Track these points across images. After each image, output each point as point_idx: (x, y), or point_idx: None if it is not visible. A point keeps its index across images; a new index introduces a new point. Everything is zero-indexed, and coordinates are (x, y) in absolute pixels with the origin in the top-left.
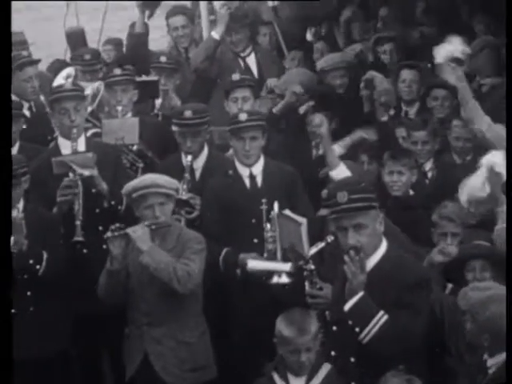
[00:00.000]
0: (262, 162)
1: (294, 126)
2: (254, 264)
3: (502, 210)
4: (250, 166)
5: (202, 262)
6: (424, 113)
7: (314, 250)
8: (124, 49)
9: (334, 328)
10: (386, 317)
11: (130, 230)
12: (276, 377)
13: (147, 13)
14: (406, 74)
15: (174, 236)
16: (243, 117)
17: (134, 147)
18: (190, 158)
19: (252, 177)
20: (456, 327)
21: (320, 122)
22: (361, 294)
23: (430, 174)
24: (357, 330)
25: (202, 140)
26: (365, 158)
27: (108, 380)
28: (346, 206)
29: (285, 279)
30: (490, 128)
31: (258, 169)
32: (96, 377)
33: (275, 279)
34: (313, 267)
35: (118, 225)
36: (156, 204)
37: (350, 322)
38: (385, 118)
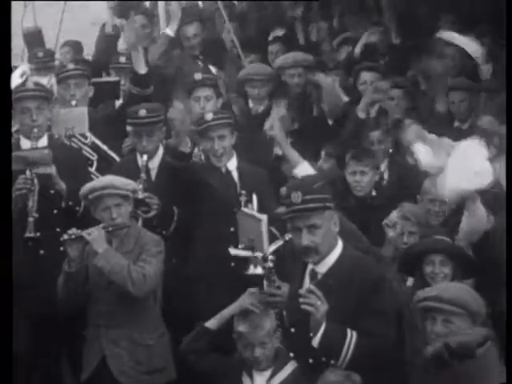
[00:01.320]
0: (235, 159)
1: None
2: (236, 252)
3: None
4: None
5: (160, 265)
6: (383, 114)
7: (272, 248)
8: (85, 51)
9: (292, 330)
10: (355, 335)
11: (85, 233)
12: (243, 373)
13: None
14: (366, 76)
15: (132, 238)
16: (209, 116)
17: (88, 140)
18: (145, 157)
19: (228, 171)
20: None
21: (270, 126)
22: (324, 325)
23: (385, 175)
24: (332, 362)
25: (157, 139)
26: (321, 155)
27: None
28: (300, 206)
29: (260, 270)
30: None
31: (232, 165)
32: (54, 380)
33: (251, 270)
34: (271, 265)
35: (74, 229)
36: (112, 205)
37: (324, 359)
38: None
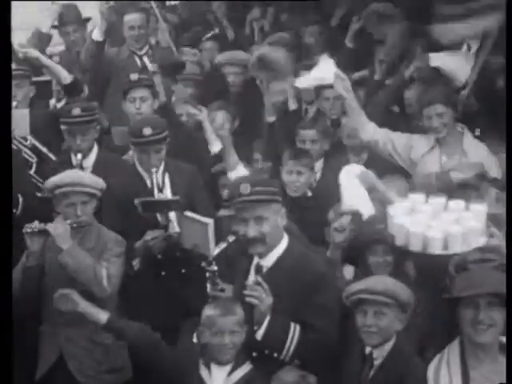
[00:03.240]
0: (162, 168)
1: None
2: None
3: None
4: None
5: (122, 265)
6: (321, 115)
7: (216, 251)
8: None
9: None
10: (298, 329)
11: (50, 227)
12: (200, 365)
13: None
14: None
15: (93, 236)
16: (147, 131)
17: (28, 142)
18: (79, 156)
19: (153, 182)
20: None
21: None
22: (268, 318)
23: (318, 175)
24: (275, 355)
25: (91, 138)
26: (258, 156)
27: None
28: (248, 197)
29: (214, 267)
30: (375, 133)
31: (159, 174)
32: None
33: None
34: (215, 268)
35: (37, 223)
36: (78, 202)
37: (267, 352)
38: (272, 119)
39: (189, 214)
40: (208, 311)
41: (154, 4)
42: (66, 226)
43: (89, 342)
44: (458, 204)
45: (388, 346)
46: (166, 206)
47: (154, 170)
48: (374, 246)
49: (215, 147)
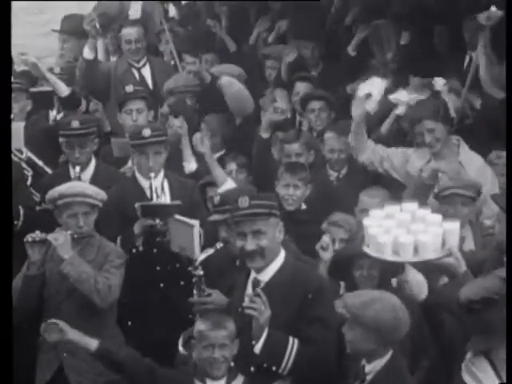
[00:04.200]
0: (162, 174)
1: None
2: None
3: None
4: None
5: (122, 277)
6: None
7: (203, 256)
8: None
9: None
10: (297, 343)
11: (51, 237)
12: (195, 381)
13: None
14: (300, 87)
15: (94, 247)
16: (147, 133)
17: (23, 155)
18: (78, 169)
19: (152, 189)
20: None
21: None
22: (266, 331)
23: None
24: (273, 368)
25: (89, 151)
26: (233, 167)
27: None
28: (247, 211)
29: (200, 272)
30: (373, 153)
31: (158, 181)
32: None
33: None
34: (201, 273)
35: (39, 232)
36: (80, 213)
37: (265, 365)
38: (266, 135)
39: (176, 216)
40: (199, 325)
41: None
42: (67, 236)
43: (88, 354)
44: (433, 217)
45: (382, 361)
46: (166, 210)
47: (152, 174)
48: (358, 260)
49: (191, 166)
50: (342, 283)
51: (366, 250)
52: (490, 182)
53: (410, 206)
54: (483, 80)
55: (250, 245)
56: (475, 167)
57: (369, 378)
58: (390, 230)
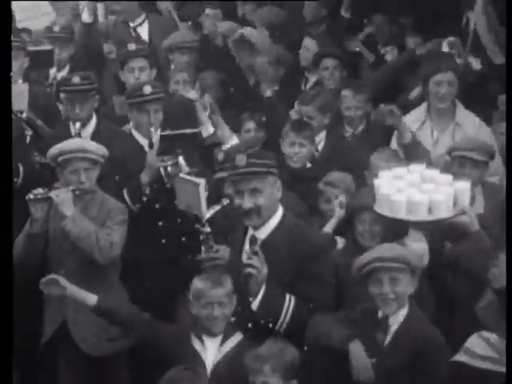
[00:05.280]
0: (159, 132)
1: None
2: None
3: None
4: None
5: (124, 233)
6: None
7: (210, 213)
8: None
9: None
10: (294, 300)
11: (53, 194)
12: (193, 337)
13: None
14: (307, 43)
15: (96, 204)
16: (147, 90)
17: (23, 115)
18: (78, 125)
19: (151, 145)
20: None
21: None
22: (264, 288)
23: (320, 146)
24: (270, 326)
25: (90, 107)
26: (251, 125)
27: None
28: (244, 169)
29: (207, 229)
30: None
31: (156, 138)
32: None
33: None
34: (209, 230)
35: (40, 189)
36: (82, 169)
37: (262, 322)
38: (268, 94)
39: (181, 174)
40: (197, 284)
41: None
42: (69, 193)
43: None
44: (443, 177)
45: (403, 312)
46: (185, 139)
47: (152, 129)
48: (361, 214)
49: (209, 129)
50: (340, 240)
51: (378, 210)
52: (488, 140)
53: (418, 167)
54: (484, 40)
55: (247, 203)
56: (473, 126)
57: (392, 329)
58: (403, 190)
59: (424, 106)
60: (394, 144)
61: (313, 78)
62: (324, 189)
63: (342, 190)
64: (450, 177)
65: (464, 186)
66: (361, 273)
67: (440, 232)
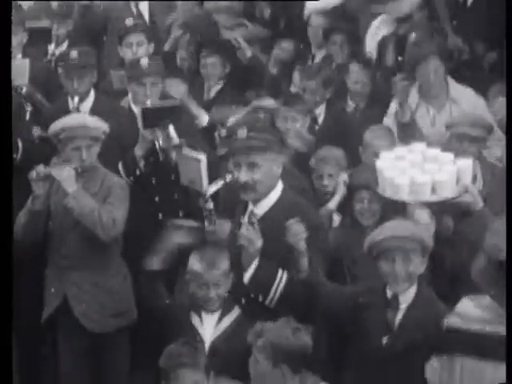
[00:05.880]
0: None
1: None
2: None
3: None
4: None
5: (126, 210)
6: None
7: (213, 189)
8: None
9: None
10: (286, 276)
11: (54, 171)
12: (191, 313)
13: None
14: (315, 19)
15: (97, 180)
16: (145, 62)
17: (23, 90)
18: (76, 99)
19: None
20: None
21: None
22: (256, 261)
23: (320, 119)
24: (260, 299)
25: (88, 81)
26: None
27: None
28: (243, 143)
29: (210, 204)
30: None
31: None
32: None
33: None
34: (212, 206)
35: (42, 167)
36: (83, 146)
37: (252, 295)
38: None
39: (184, 151)
40: (193, 265)
41: None
42: (71, 170)
43: (93, 286)
44: (444, 155)
45: (413, 290)
46: (168, 112)
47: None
48: (359, 192)
49: (204, 118)
50: (337, 218)
51: (381, 193)
52: (485, 114)
53: (419, 147)
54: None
55: (244, 176)
56: (468, 100)
57: (402, 307)
58: (405, 171)
59: (415, 88)
60: (386, 121)
61: (320, 54)
62: (315, 166)
63: (334, 165)
64: (451, 155)
65: (466, 163)
66: (375, 250)
67: (443, 211)
